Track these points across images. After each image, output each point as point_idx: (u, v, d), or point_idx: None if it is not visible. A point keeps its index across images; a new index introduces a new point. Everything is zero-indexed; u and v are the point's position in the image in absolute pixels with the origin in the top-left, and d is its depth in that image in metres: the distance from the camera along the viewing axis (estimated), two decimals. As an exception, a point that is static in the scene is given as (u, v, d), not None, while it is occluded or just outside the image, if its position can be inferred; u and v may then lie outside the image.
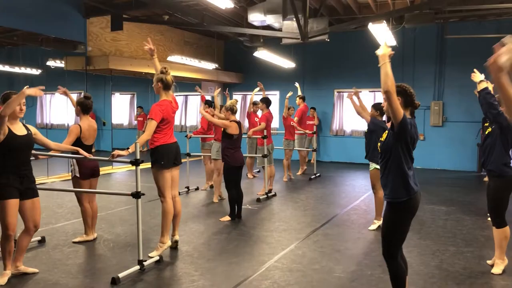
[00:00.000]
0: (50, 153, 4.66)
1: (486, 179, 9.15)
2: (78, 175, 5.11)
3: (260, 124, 8.04)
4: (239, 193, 6.45)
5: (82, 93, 14.98)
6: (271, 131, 8.78)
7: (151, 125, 4.53)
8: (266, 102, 8.62)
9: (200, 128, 8.62)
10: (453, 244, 5.29)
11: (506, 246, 4.35)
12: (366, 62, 12.71)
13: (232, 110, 6.35)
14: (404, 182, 3.16)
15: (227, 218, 6.35)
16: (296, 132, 10.09)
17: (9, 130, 3.92)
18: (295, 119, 10.22)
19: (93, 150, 5.35)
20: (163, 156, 4.69)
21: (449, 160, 12.03)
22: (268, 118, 8.33)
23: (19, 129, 4.02)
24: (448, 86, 12.05)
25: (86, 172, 5.15)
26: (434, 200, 7.82)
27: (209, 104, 8.81)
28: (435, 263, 4.64)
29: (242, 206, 6.59)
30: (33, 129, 4.20)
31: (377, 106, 5.90)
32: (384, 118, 5.84)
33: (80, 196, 5.23)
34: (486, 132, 4.46)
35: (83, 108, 5.19)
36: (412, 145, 3.23)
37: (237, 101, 6.57)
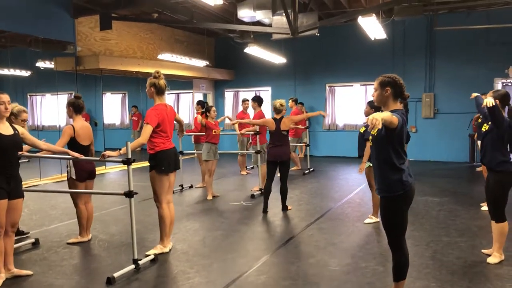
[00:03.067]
0: (42, 154, 4.62)
1: (479, 169, 9.23)
2: (74, 176, 5.07)
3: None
4: (267, 188, 6.60)
5: (73, 94, 14.98)
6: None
7: (147, 129, 4.52)
8: (258, 101, 8.57)
9: (194, 129, 8.60)
10: (446, 235, 5.33)
11: (504, 242, 4.40)
12: (357, 55, 12.79)
13: (275, 109, 6.65)
14: (399, 176, 3.17)
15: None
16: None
17: None
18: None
19: (92, 149, 5.31)
20: (163, 162, 4.68)
21: (441, 152, 12.10)
22: (262, 117, 8.33)
23: (5, 129, 3.97)
24: (439, 78, 12.11)
25: (83, 174, 5.12)
26: (427, 191, 7.86)
27: (201, 104, 8.80)
28: (428, 253, 4.68)
29: (238, 203, 6.59)
30: (20, 129, 4.15)
31: (372, 104, 5.88)
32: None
33: (75, 197, 5.20)
34: (483, 129, 4.52)
35: (75, 108, 5.14)
36: (406, 139, 3.24)
37: (282, 104, 6.71)
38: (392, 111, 3.09)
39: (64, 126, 5.32)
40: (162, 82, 4.75)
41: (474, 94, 5.28)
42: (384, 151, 3.19)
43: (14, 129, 4.07)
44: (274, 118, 6.63)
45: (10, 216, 4.01)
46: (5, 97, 3.98)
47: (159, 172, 4.68)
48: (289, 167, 6.74)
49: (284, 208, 6.71)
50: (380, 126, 2.75)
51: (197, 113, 8.83)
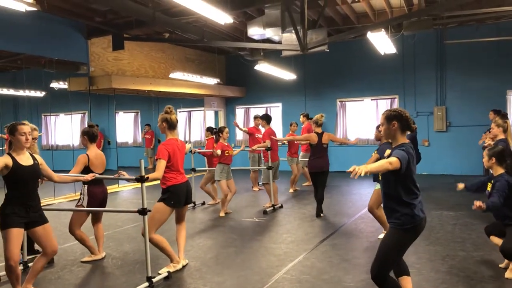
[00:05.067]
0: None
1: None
2: (85, 205, 5.13)
3: (264, 142, 8.17)
4: (317, 196, 7.31)
5: (86, 113, 15.21)
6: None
7: (160, 164, 4.57)
8: (267, 118, 8.63)
9: (207, 153, 8.67)
10: (462, 249, 5.25)
11: None
12: (367, 70, 12.83)
13: (317, 123, 7.30)
14: (409, 210, 3.13)
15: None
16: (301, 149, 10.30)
17: (15, 161, 3.90)
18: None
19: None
20: (174, 196, 4.72)
21: (454, 165, 11.99)
22: (271, 135, 8.35)
23: (25, 160, 3.99)
24: (450, 91, 12.07)
25: (94, 203, 5.17)
26: (442, 205, 7.77)
27: (210, 131, 8.87)
28: (445, 268, 4.61)
29: (250, 219, 6.59)
30: (39, 159, 4.18)
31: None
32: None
33: (72, 224, 5.17)
34: (488, 188, 4.61)
35: (89, 137, 5.23)
36: (414, 173, 3.18)
37: (322, 115, 7.39)
38: (399, 146, 3.13)
39: (79, 154, 5.38)
40: (174, 117, 4.83)
41: (461, 186, 4.95)
42: (392, 188, 3.16)
43: (34, 159, 4.10)
44: (316, 132, 7.27)
45: (47, 241, 4.09)
46: (27, 128, 4.00)
47: (167, 204, 4.70)
48: (327, 176, 7.39)
49: (318, 214, 7.29)
50: (362, 174, 2.78)
51: (207, 139, 8.87)
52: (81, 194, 5.21)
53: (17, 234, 3.87)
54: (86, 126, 5.38)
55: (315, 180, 7.34)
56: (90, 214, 5.39)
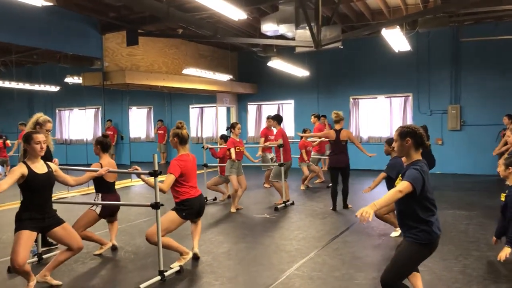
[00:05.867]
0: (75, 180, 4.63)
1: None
2: (98, 212, 5.20)
3: (277, 140, 8.22)
4: (333, 190, 7.58)
5: (100, 108, 15.34)
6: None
7: (169, 179, 4.60)
8: (277, 119, 8.60)
9: (218, 153, 8.73)
10: (476, 249, 5.20)
11: None
12: (381, 67, 12.73)
13: (335, 121, 7.58)
14: (428, 228, 3.10)
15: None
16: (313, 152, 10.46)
17: (30, 169, 3.95)
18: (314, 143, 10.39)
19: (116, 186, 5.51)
20: (186, 210, 4.77)
21: (468, 164, 11.86)
22: (283, 134, 8.33)
23: (40, 168, 4.04)
24: (465, 90, 11.93)
25: (105, 213, 5.27)
26: (455, 205, 7.69)
27: (224, 139, 8.90)
28: (458, 268, 4.57)
29: (261, 215, 6.60)
30: (53, 166, 4.25)
31: (390, 142, 5.79)
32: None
33: (80, 224, 5.13)
34: (502, 198, 4.64)
35: (102, 146, 5.30)
36: (429, 191, 3.13)
37: (336, 113, 7.55)
38: (412, 163, 3.11)
39: (92, 148, 5.45)
40: (185, 132, 4.90)
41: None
42: (408, 207, 3.12)
43: (48, 166, 4.15)
44: (334, 130, 7.54)
45: (71, 237, 4.17)
46: (41, 137, 4.06)
47: (179, 215, 4.75)
48: (349, 170, 7.62)
49: (345, 206, 7.62)
50: (371, 219, 2.78)
51: (220, 149, 8.87)
52: (94, 200, 5.30)
53: (28, 237, 3.90)
54: (100, 135, 5.48)
55: (333, 175, 7.58)
56: (106, 216, 5.43)
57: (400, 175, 3.21)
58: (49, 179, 4.09)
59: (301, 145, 9.98)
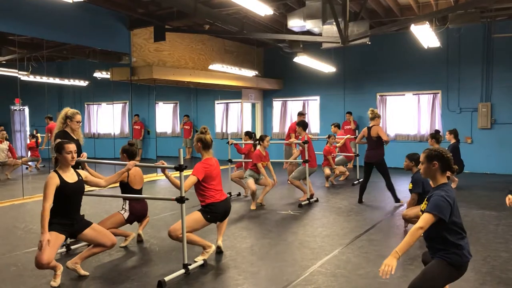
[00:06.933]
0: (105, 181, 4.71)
1: None
2: (125, 217, 5.31)
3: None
4: (362, 184, 7.95)
5: (127, 103, 15.56)
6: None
7: (191, 180, 4.64)
8: (303, 125, 8.49)
9: (243, 149, 8.78)
10: (505, 250, 5.07)
11: None
12: (409, 64, 12.51)
13: (372, 119, 7.82)
14: (459, 251, 3.03)
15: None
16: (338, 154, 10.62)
17: (61, 179, 4.06)
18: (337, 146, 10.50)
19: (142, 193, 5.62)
20: (211, 213, 4.82)
21: (499, 164, 11.56)
22: (309, 142, 8.26)
23: (70, 177, 4.15)
24: (496, 87, 11.61)
25: (131, 218, 5.38)
26: (484, 205, 7.52)
27: (249, 135, 8.91)
28: (486, 269, 4.47)
29: (285, 212, 6.61)
30: (83, 174, 4.35)
31: (411, 157, 5.76)
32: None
33: (106, 224, 5.15)
34: None
35: (129, 154, 5.40)
36: (457, 216, 3.08)
37: (371, 109, 7.93)
38: (438, 187, 3.08)
39: (120, 143, 5.57)
40: (209, 137, 4.95)
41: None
42: (435, 232, 3.05)
43: (78, 175, 4.26)
44: (368, 127, 7.87)
45: (103, 235, 4.31)
46: (73, 147, 4.17)
47: (204, 217, 4.79)
48: (384, 166, 7.75)
49: (397, 200, 7.75)
50: (393, 272, 2.75)
51: (245, 145, 8.89)
52: (123, 207, 5.39)
53: (55, 237, 3.99)
54: (127, 144, 5.54)
55: (364, 169, 7.88)
56: (132, 222, 5.52)
57: (426, 199, 3.15)
58: (79, 188, 4.21)
59: (326, 151, 9.95)
